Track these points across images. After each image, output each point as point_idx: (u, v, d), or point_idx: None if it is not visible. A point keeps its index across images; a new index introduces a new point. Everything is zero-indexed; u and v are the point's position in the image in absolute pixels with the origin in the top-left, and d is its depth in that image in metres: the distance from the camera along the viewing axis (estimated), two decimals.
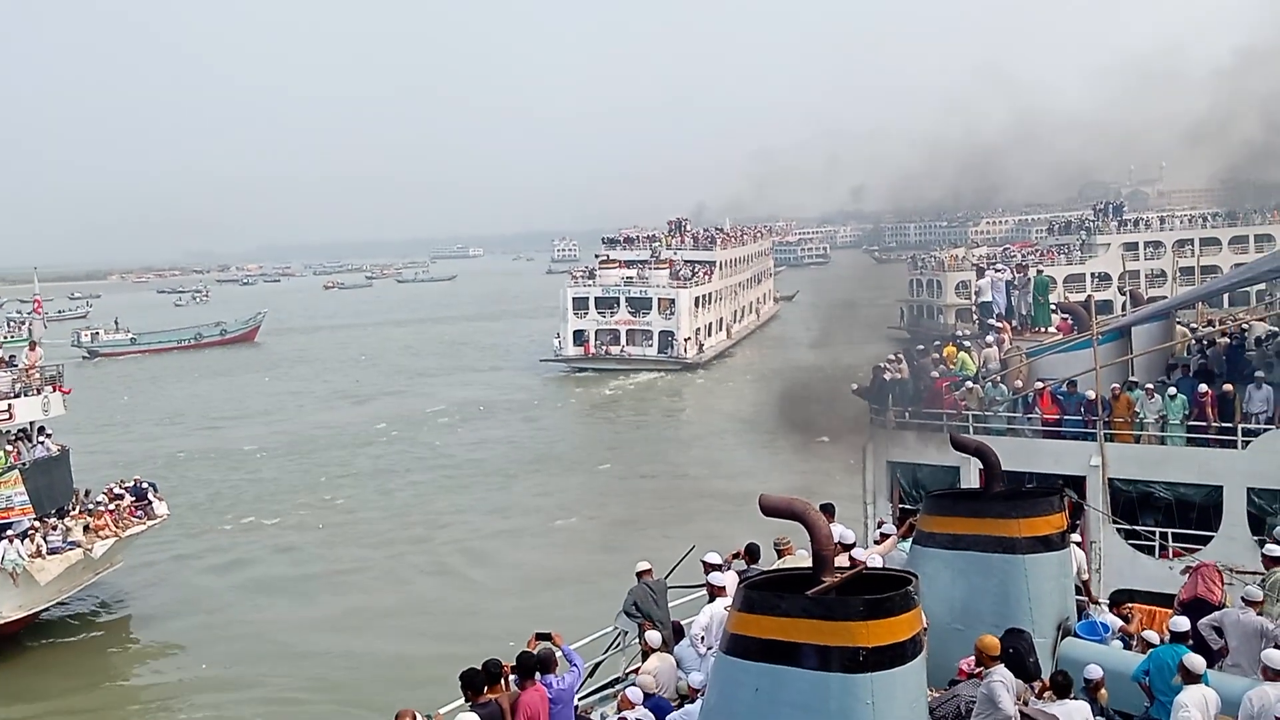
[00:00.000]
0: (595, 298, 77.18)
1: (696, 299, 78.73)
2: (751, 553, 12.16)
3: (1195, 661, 8.96)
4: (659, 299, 76.58)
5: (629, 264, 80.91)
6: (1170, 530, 19.08)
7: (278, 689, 25.89)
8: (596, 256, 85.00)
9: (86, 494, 31.55)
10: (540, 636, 10.05)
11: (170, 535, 36.25)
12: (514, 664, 9.48)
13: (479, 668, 9.19)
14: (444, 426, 57.95)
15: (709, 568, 11.49)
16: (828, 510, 11.44)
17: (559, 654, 9.81)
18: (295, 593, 32.51)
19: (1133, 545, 19.51)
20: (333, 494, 43.87)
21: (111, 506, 30.78)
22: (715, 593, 11.00)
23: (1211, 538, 18.47)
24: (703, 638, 10.65)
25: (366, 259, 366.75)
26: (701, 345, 78.51)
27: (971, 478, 19.79)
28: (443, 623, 29.05)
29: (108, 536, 29.83)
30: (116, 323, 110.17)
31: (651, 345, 76.17)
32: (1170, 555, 18.94)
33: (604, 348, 76.16)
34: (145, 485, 32.67)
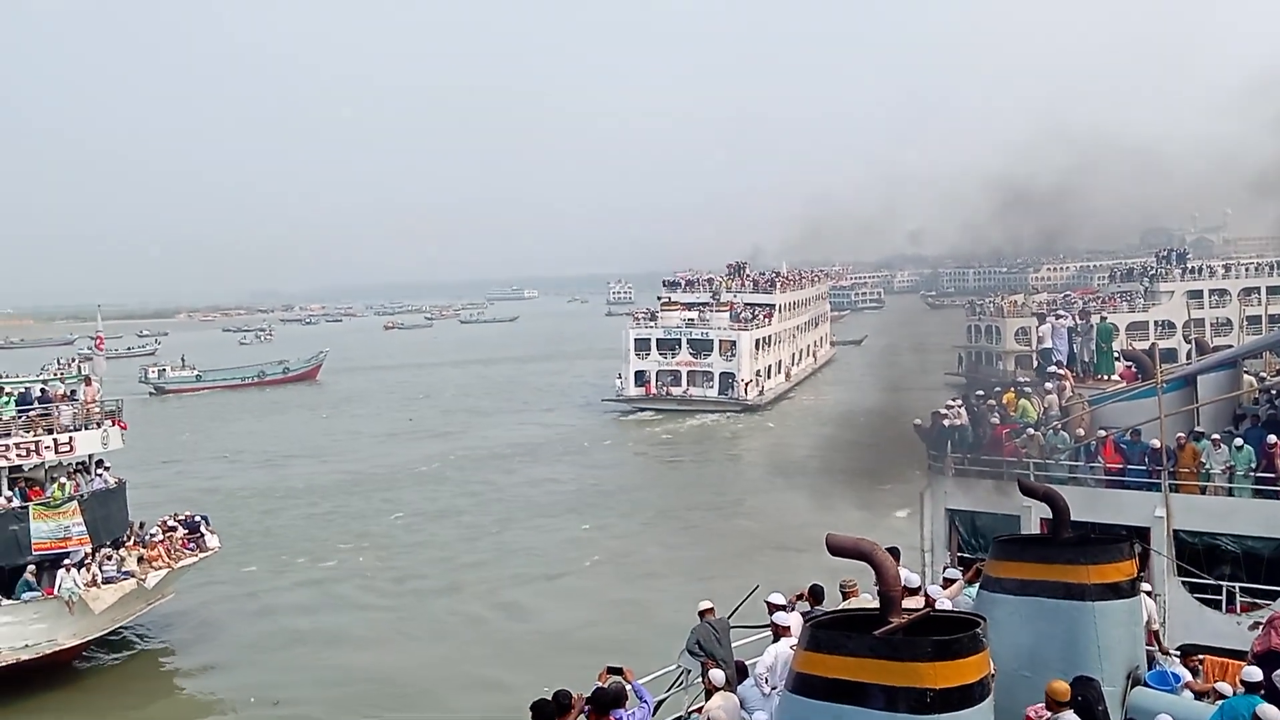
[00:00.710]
0: (657, 339, 78.51)
1: (757, 341, 79.40)
2: (815, 594, 12.22)
3: (1270, 713, 8.80)
4: (720, 341, 77.48)
5: (690, 306, 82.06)
6: (1238, 584, 18.69)
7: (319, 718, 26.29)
8: (659, 299, 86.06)
9: (141, 526, 32.26)
10: (611, 670, 10.22)
11: (222, 570, 36.82)
12: (588, 697, 9.62)
13: (549, 699, 9.37)
14: (501, 466, 58.36)
15: (773, 608, 11.52)
16: (893, 553, 11.33)
17: (630, 689, 9.96)
18: (344, 630, 32.71)
19: (1199, 599, 19.11)
20: (388, 532, 44.25)
21: (165, 538, 31.47)
22: (780, 633, 11.02)
23: None
24: (767, 678, 10.68)
25: (425, 300, 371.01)
26: (762, 387, 79.06)
27: (1031, 526, 19.57)
28: (498, 663, 29.07)
29: (161, 567, 30.50)
30: (183, 360, 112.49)
31: (712, 386, 77.07)
32: (1238, 610, 18.53)
33: (665, 388, 77.32)
34: (198, 518, 33.32)
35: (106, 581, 29.10)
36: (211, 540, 32.91)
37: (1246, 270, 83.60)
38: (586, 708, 9.58)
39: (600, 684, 9.83)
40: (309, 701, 27.33)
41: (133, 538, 31.39)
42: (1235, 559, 18.85)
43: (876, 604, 8.43)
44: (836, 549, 8.61)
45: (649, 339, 78.74)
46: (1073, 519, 11.37)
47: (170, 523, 32.42)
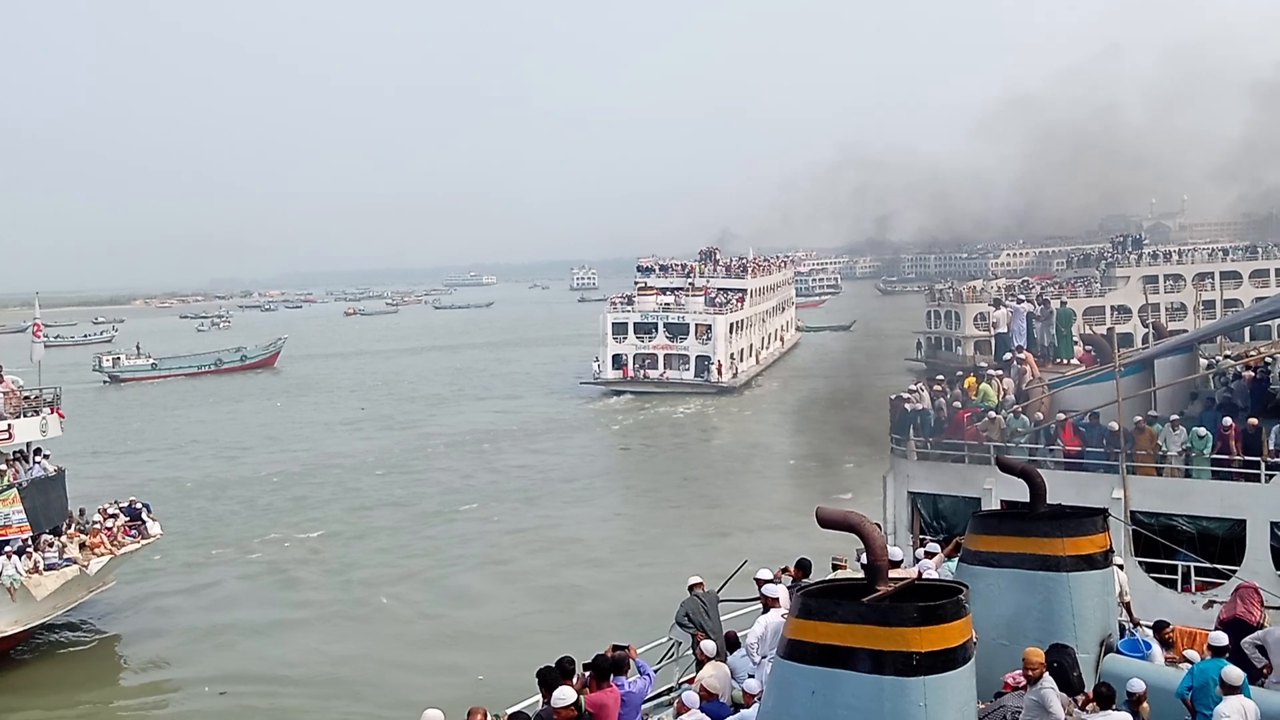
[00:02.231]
0: (634, 323, 79.98)
1: (730, 325, 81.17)
2: (803, 567, 12.66)
3: (1233, 673, 9.18)
4: (696, 324, 79.32)
5: (665, 290, 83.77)
6: (1193, 564, 18.96)
7: (265, 708, 26.07)
8: (636, 283, 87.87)
9: (81, 513, 31.96)
10: (616, 648, 10.53)
11: (166, 559, 36.60)
12: (587, 664, 9.89)
13: (553, 665, 9.63)
14: (463, 453, 57.99)
15: (761, 582, 11.89)
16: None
17: (633, 663, 10.29)
18: (289, 619, 32.39)
19: (1155, 579, 19.39)
20: (337, 521, 43.65)
21: (107, 525, 31.20)
22: (769, 604, 11.40)
23: (1234, 572, 18.30)
24: (757, 647, 11.01)
25: (387, 286, 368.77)
26: (735, 370, 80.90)
27: (992, 508, 19.80)
28: (449, 650, 29.00)
29: (103, 554, 30.27)
30: (138, 348, 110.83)
31: (688, 369, 78.82)
32: (1193, 589, 18.81)
33: (642, 371, 78.89)
34: (139, 505, 33.05)
35: (48, 568, 28.82)
36: (153, 527, 32.63)
37: (1201, 256, 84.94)
38: (588, 675, 9.85)
39: (604, 654, 10.11)
40: (254, 690, 27.10)
41: (73, 525, 31.10)
42: (1191, 539, 19.10)
43: (863, 575, 8.65)
44: (826, 521, 8.87)
45: (626, 323, 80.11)
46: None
47: (110, 510, 32.15)
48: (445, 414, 73.01)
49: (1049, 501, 11.26)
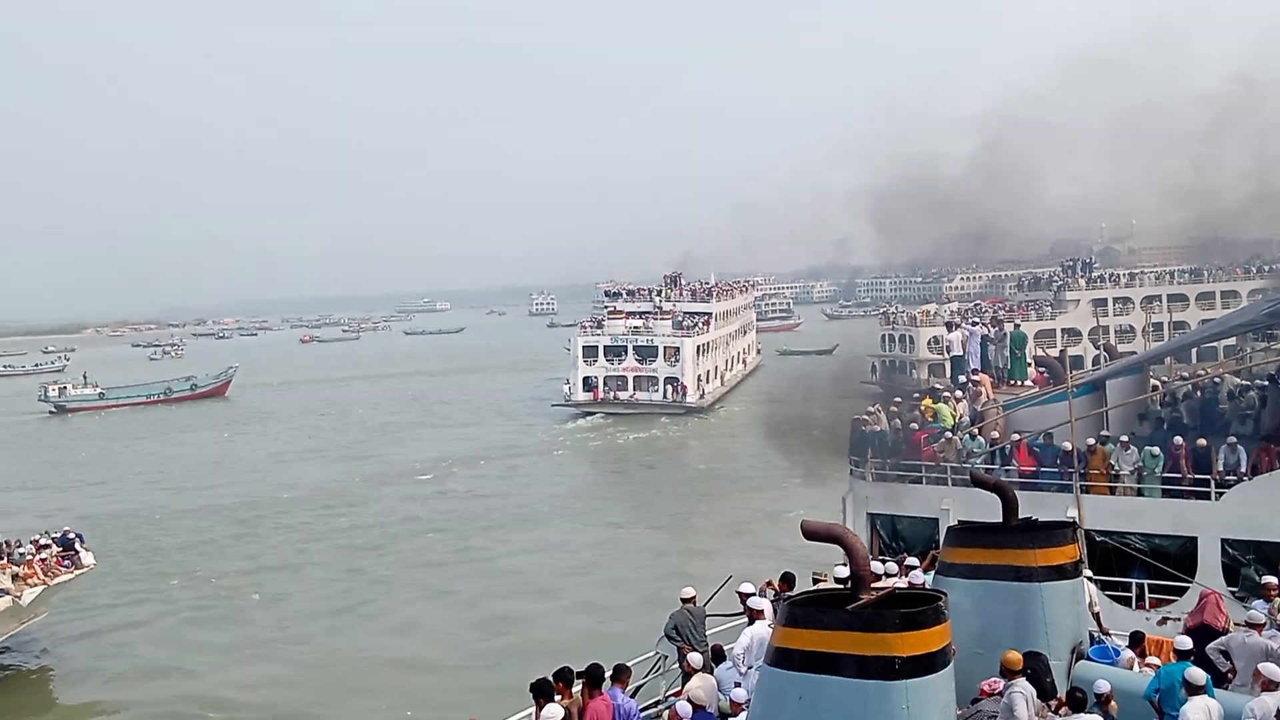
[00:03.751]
0: (604, 346, 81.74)
1: (698, 347, 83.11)
2: (788, 580, 13.10)
3: (1197, 674, 9.60)
4: (664, 347, 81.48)
5: (633, 314, 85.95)
6: (1147, 581, 19.21)
7: None
8: (605, 308, 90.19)
9: (16, 544, 31.41)
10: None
11: (101, 590, 36.13)
12: (579, 672, 10.14)
13: (549, 677, 9.91)
14: (423, 482, 57.44)
15: (745, 596, 12.26)
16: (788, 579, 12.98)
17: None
18: (223, 649, 32.00)
19: (1109, 596, 19.59)
20: (278, 552, 43.12)
21: (40, 556, 30.70)
22: (754, 616, 11.71)
23: (1187, 588, 18.59)
24: (744, 657, 11.27)
25: (344, 312, 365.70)
26: (703, 391, 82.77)
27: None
28: (386, 678, 28.76)
29: (36, 585, 29.78)
30: (85, 377, 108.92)
31: (657, 390, 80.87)
32: (1147, 606, 19.05)
33: (612, 393, 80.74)
34: (73, 535, 32.61)
35: None
36: (86, 557, 32.19)
37: (1149, 279, 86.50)
38: (581, 682, 10.05)
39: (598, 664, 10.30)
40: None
41: (4, 556, 30.54)
42: (1144, 557, 19.36)
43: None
44: (811, 533, 9.26)
45: (597, 346, 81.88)
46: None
47: (43, 540, 31.64)
48: (405, 442, 72.30)
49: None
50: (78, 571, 31.61)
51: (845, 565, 12.39)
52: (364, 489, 55.75)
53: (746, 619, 11.88)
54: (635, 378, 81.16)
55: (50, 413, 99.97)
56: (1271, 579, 12.81)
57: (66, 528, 33.53)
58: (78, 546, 32.13)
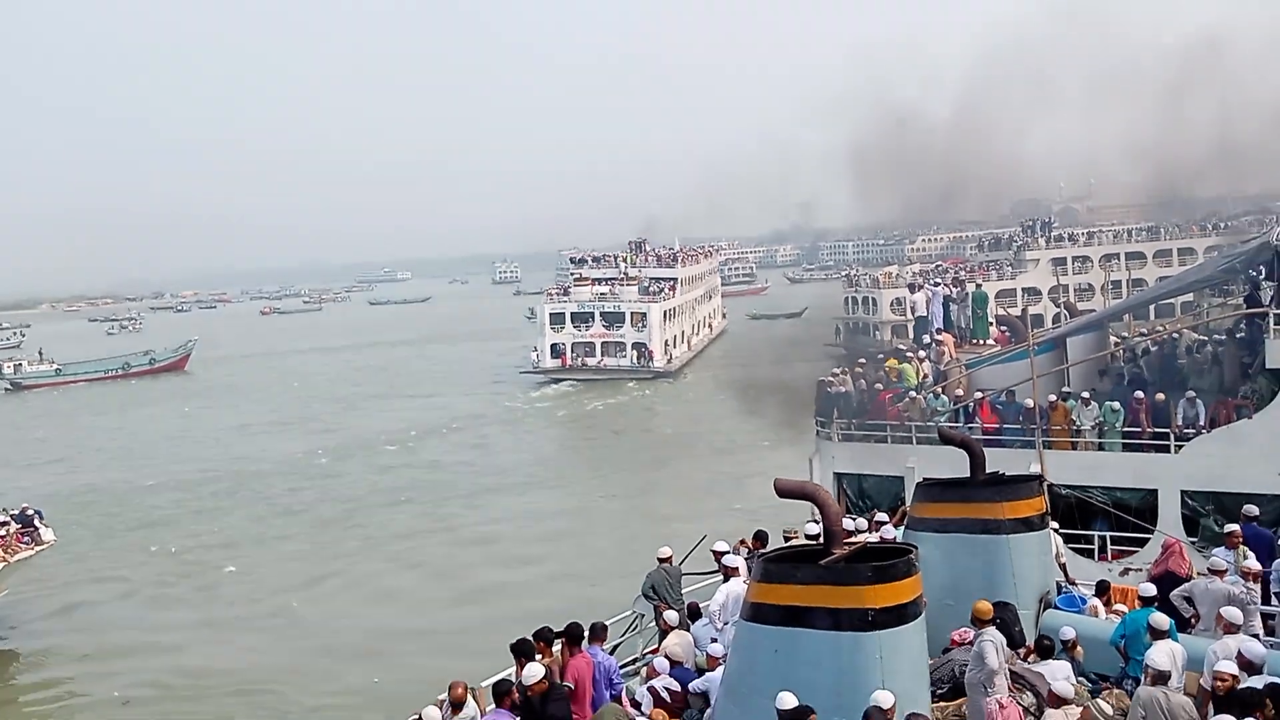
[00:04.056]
0: (571, 312, 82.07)
1: (664, 313, 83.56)
2: (760, 538, 13.24)
3: (1160, 619, 9.77)
4: (631, 312, 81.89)
5: (600, 281, 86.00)
6: (1108, 534, 19.47)
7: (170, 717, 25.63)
8: (571, 274, 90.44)
9: None
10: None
11: (62, 567, 35.59)
12: (558, 632, 10.22)
13: (529, 637, 9.95)
14: (390, 452, 57.04)
15: (720, 554, 12.44)
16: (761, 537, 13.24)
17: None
18: (189, 628, 31.46)
19: (1072, 549, 19.83)
20: (241, 526, 42.59)
21: (0, 533, 30.20)
22: (729, 573, 11.82)
23: (1148, 540, 18.87)
24: (719, 614, 11.39)
25: (304, 283, 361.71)
26: (670, 356, 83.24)
27: (915, 486, 20.15)
28: (355, 651, 28.53)
29: None
30: (41, 353, 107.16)
31: (625, 356, 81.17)
32: (1110, 558, 19.32)
33: (580, 359, 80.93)
34: (32, 511, 32.04)
35: None
36: (46, 533, 31.59)
37: (1107, 238, 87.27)
38: (560, 642, 10.11)
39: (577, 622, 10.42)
40: (158, 698, 26.49)
41: None
42: (1106, 510, 19.63)
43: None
44: (784, 491, 9.57)
45: (564, 313, 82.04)
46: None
47: (1, 518, 31.06)
48: (371, 413, 71.67)
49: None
50: (38, 548, 31.03)
51: (816, 522, 12.56)
52: (329, 461, 55.16)
53: (722, 576, 12.03)
54: (603, 344, 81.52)
55: (5, 390, 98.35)
56: (1234, 526, 13.01)
57: (25, 504, 32.93)
58: (37, 523, 31.55)
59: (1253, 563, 12.32)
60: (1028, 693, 9.00)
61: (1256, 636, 10.25)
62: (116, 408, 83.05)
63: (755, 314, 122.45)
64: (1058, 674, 9.34)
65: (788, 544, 12.24)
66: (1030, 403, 20.37)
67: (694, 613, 12.21)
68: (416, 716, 9.52)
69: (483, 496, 45.26)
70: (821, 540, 9.12)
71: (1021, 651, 10.05)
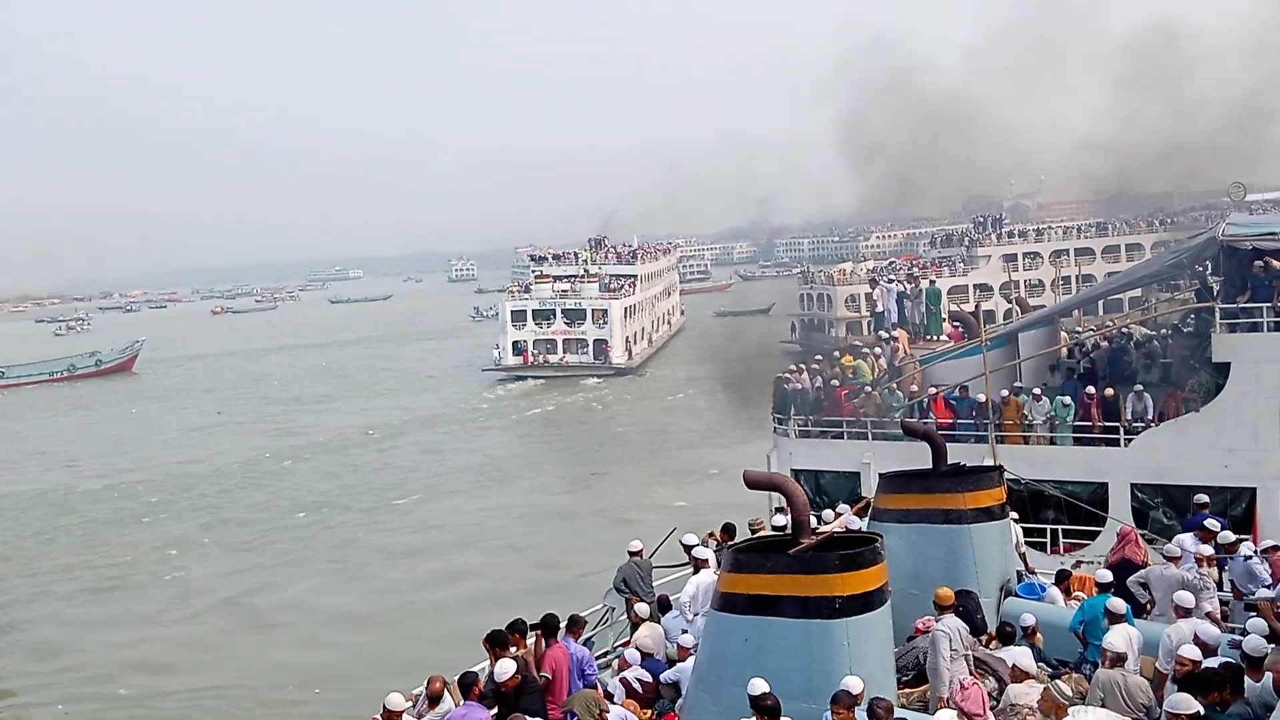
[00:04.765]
0: (533, 310, 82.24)
1: (625, 309, 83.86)
2: (729, 531, 13.52)
3: (1117, 604, 10.16)
4: (592, 309, 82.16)
5: (560, 278, 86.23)
6: (1061, 527, 19.82)
7: None
8: (533, 272, 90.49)
9: None
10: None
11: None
12: (533, 624, 10.32)
13: (503, 628, 10.06)
14: (343, 452, 56.60)
15: (689, 547, 12.69)
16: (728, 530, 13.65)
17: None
18: (129, 629, 31.23)
19: (1026, 542, 20.16)
20: (184, 531, 41.92)
21: None
22: (699, 565, 12.03)
23: (1099, 532, 19.23)
24: (690, 605, 11.58)
25: (256, 282, 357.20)
26: (630, 352, 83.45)
27: (870, 481, 20.43)
28: (298, 654, 28.37)
29: None
30: None
31: (587, 352, 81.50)
32: (1062, 550, 19.66)
33: (542, 356, 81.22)
34: None
35: None
36: None
37: (1057, 234, 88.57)
38: (535, 634, 10.20)
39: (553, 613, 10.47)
40: (101, 708, 26.15)
41: None
42: (1058, 503, 19.97)
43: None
44: (753, 483, 9.99)
45: (525, 310, 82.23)
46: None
47: None
48: (325, 413, 71.03)
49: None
50: None
51: (783, 511, 12.74)
52: (281, 463, 54.47)
53: (692, 568, 12.22)
54: (564, 340, 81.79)
55: None
56: (1214, 522, 13.35)
57: None
58: None
59: (1207, 549, 12.66)
60: (990, 678, 9.22)
61: (1210, 619, 10.59)
62: (62, 411, 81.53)
63: (723, 311, 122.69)
64: (1020, 658, 9.56)
65: (755, 535, 12.43)
66: (983, 397, 20.73)
67: (664, 605, 12.37)
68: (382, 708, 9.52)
69: (439, 496, 45.11)
70: (790, 530, 9.32)
71: (984, 638, 10.31)
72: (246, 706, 25.57)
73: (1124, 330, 26.42)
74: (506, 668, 9.29)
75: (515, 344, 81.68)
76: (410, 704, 9.72)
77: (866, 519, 12.92)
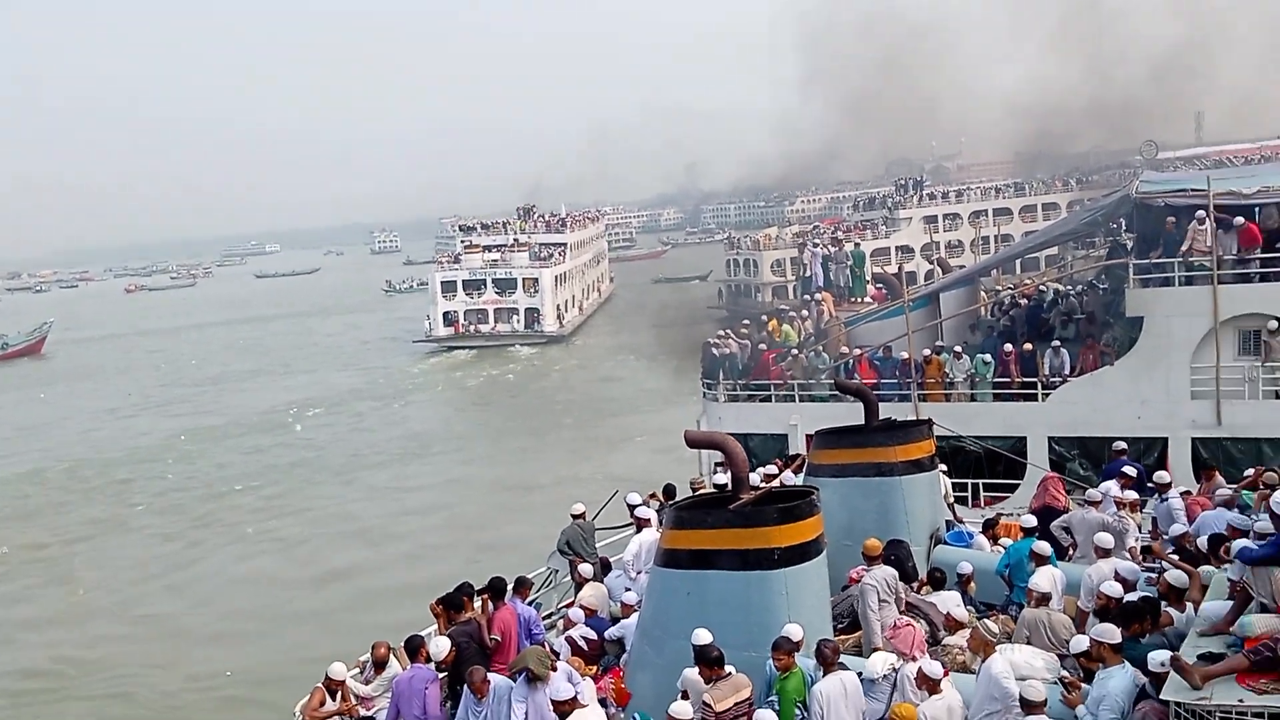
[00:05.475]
0: (463, 280, 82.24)
1: (555, 278, 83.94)
2: (669, 492, 13.86)
3: (1042, 546, 10.57)
4: (523, 278, 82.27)
5: (490, 248, 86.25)
6: (982, 481, 20.35)
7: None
8: (462, 242, 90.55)
9: None
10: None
11: None
12: (480, 589, 10.41)
13: (454, 592, 10.24)
14: (263, 431, 55.74)
15: (633, 507, 12.99)
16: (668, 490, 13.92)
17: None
18: (35, 620, 30.62)
19: None
20: (91, 519, 41.05)
21: None
22: (642, 524, 12.33)
23: (1019, 485, 19.81)
24: (633, 563, 11.83)
25: (172, 259, 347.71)
26: (563, 320, 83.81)
27: (798, 442, 20.83)
28: (210, 641, 27.96)
29: None
30: None
31: (519, 321, 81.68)
32: (983, 504, 20.21)
33: (473, 326, 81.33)
34: None
35: None
36: None
37: (975, 195, 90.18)
38: (482, 597, 10.32)
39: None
40: (5, 705, 25.58)
41: None
42: (979, 458, 20.50)
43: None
44: (693, 442, 10.56)
45: (455, 281, 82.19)
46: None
47: None
48: (247, 391, 69.66)
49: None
50: None
51: (721, 469, 12.93)
52: (197, 445, 53.18)
53: (635, 528, 12.50)
54: (495, 310, 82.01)
55: None
56: (1131, 469, 13.78)
57: None
58: None
59: (1128, 494, 13.11)
60: (922, 621, 9.54)
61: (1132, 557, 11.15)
62: None
63: (660, 278, 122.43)
64: (948, 603, 10.02)
65: (696, 493, 12.70)
66: (906, 357, 21.22)
67: (606, 566, 12.61)
68: (324, 677, 9.56)
69: (365, 471, 44.87)
70: (730, 487, 9.65)
71: (916, 585, 10.70)
72: (171, 693, 25.28)
73: (1041, 288, 27.12)
74: (441, 646, 9.32)
75: (446, 314, 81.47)
76: (357, 670, 9.78)
77: (802, 475, 13.24)
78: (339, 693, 9.60)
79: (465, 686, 8.68)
